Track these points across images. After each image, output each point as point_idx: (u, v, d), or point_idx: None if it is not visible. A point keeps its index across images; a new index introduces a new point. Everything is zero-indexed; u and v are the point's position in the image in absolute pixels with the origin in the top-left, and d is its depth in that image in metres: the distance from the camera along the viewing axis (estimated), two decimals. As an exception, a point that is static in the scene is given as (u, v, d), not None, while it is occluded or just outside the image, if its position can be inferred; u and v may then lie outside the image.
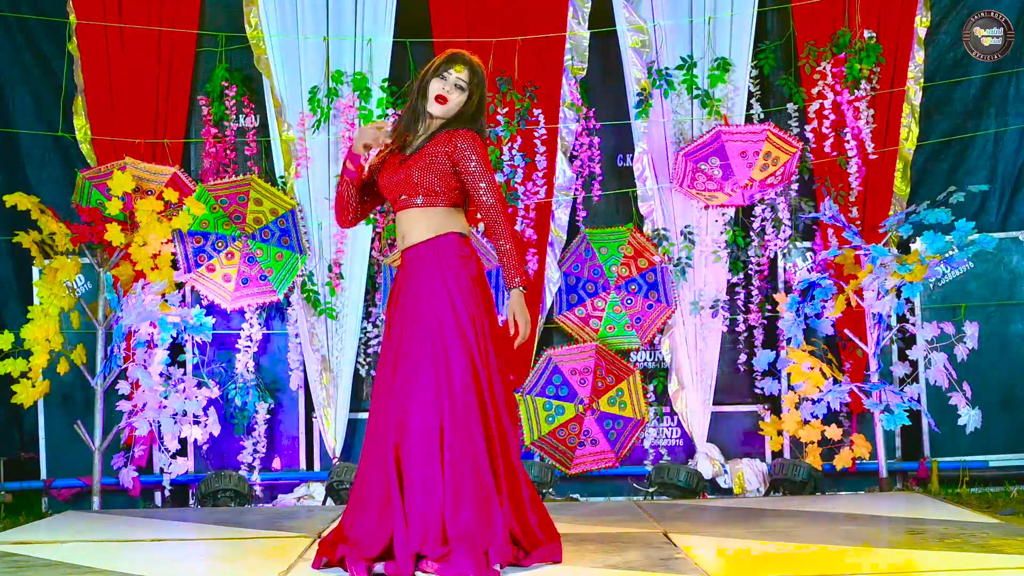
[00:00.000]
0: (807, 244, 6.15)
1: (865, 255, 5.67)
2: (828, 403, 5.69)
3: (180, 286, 5.78)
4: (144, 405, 5.47)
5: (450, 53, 3.82)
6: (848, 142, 6.03)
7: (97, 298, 5.69)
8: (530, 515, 3.78)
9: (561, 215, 6.03)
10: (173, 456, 5.57)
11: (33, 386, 5.53)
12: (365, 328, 6.02)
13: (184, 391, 5.51)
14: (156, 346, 5.53)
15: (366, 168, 3.97)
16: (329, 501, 5.73)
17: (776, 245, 6.08)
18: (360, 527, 3.70)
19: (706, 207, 6.04)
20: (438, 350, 3.68)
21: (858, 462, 5.84)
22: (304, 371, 5.95)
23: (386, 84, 5.95)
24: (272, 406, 5.94)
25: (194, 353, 5.89)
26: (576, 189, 6.09)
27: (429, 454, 3.62)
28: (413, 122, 3.83)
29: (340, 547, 3.73)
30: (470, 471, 3.61)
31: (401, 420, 3.66)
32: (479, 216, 3.84)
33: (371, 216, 5.93)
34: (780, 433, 5.92)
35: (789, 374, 5.79)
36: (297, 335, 5.92)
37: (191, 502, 5.86)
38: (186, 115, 6.11)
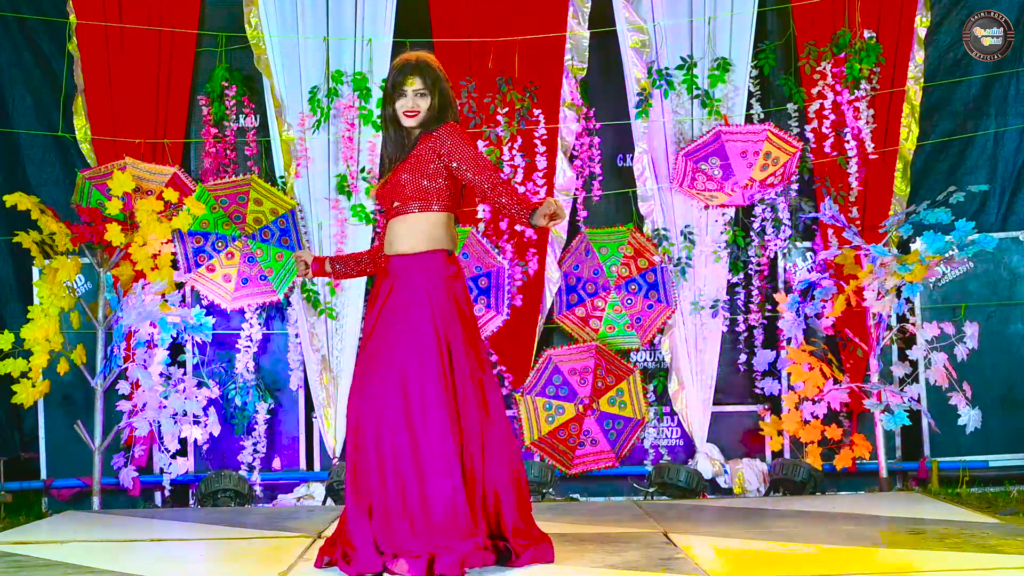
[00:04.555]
0: (807, 244, 6.15)
1: (865, 255, 5.67)
2: (828, 403, 5.70)
3: (180, 286, 5.78)
4: (144, 405, 5.47)
5: (397, 67, 3.86)
6: (848, 142, 6.03)
7: (97, 298, 5.69)
8: (518, 517, 3.79)
9: (561, 215, 6.03)
10: (173, 456, 5.57)
11: (33, 386, 5.53)
12: (365, 328, 6.02)
13: (184, 391, 5.51)
14: (156, 346, 5.53)
15: (326, 264, 4.11)
16: (329, 501, 5.73)
17: (776, 245, 6.08)
18: (341, 526, 3.78)
19: (706, 207, 6.04)
20: (415, 363, 3.70)
21: (858, 462, 5.84)
22: (304, 371, 5.95)
23: (386, 85, 5.94)
24: (272, 406, 5.94)
25: (194, 353, 5.89)
26: (576, 189, 6.09)
27: (403, 458, 3.66)
28: (398, 145, 3.90)
29: (332, 547, 3.81)
30: (444, 474, 3.63)
31: (378, 426, 3.70)
32: (484, 196, 3.78)
33: (371, 216, 5.94)
34: (780, 433, 5.92)
35: (789, 374, 5.79)
36: (297, 335, 5.92)
37: (191, 502, 5.86)
38: (186, 115, 6.11)
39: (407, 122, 3.83)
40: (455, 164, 3.75)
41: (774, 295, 6.03)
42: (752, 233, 6.09)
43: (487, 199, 3.76)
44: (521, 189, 5.95)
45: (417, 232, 3.80)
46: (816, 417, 5.69)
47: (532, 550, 3.77)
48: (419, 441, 3.65)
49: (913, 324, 5.77)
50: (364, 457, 3.71)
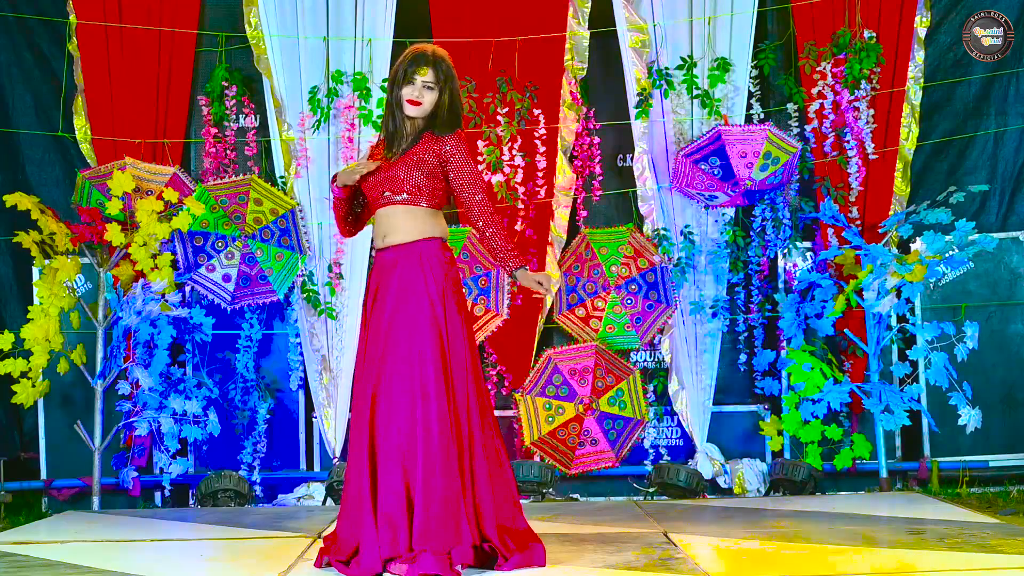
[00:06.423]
0: (807, 244, 6.15)
1: (865, 255, 5.67)
2: (828, 403, 5.69)
3: (180, 286, 5.78)
4: (144, 405, 5.48)
5: (412, 55, 3.83)
6: (848, 142, 6.03)
7: (97, 298, 5.70)
8: (509, 519, 3.78)
9: (561, 215, 6.03)
10: (173, 456, 5.57)
11: (33, 386, 5.53)
12: (365, 328, 6.02)
13: (184, 391, 5.51)
14: (156, 346, 5.53)
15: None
16: (329, 501, 5.73)
17: (776, 245, 6.07)
18: (341, 527, 3.77)
19: (706, 207, 6.04)
20: (414, 357, 3.69)
21: (858, 462, 5.84)
22: (304, 371, 5.95)
23: (386, 84, 5.94)
24: (272, 406, 5.94)
25: (194, 353, 5.89)
26: (576, 189, 6.09)
27: (402, 457, 3.65)
28: (396, 131, 3.88)
29: (332, 547, 3.81)
30: (441, 475, 3.63)
31: (376, 423, 3.70)
32: (471, 217, 3.83)
33: (373, 217, 5.93)
34: (780, 433, 5.92)
35: (789, 374, 5.79)
36: (297, 335, 5.92)
37: (191, 502, 5.86)
38: (186, 115, 6.11)
39: (409, 110, 3.81)
40: (457, 180, 3.79)
41: (774, 295, 6.03)
42: (752, 233, 6.09)
43: (476, 227, 3.82)
44: (521, 189, 5.96)
45: (410, 224, 3.81)
46: (816, 417, 5.69)
47: (520, 554, 3.73)
48: (419, 440, 3.64)
49: (913, 324, 5.77)
50: (361, 454, 3.71)
